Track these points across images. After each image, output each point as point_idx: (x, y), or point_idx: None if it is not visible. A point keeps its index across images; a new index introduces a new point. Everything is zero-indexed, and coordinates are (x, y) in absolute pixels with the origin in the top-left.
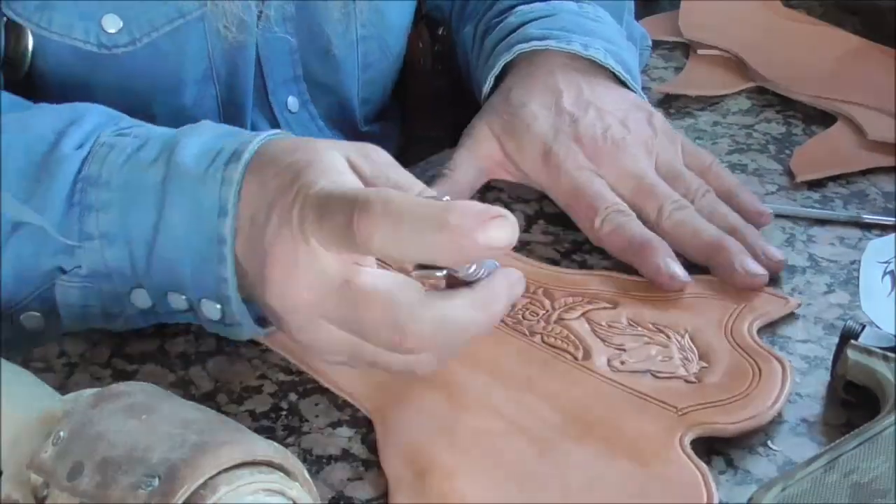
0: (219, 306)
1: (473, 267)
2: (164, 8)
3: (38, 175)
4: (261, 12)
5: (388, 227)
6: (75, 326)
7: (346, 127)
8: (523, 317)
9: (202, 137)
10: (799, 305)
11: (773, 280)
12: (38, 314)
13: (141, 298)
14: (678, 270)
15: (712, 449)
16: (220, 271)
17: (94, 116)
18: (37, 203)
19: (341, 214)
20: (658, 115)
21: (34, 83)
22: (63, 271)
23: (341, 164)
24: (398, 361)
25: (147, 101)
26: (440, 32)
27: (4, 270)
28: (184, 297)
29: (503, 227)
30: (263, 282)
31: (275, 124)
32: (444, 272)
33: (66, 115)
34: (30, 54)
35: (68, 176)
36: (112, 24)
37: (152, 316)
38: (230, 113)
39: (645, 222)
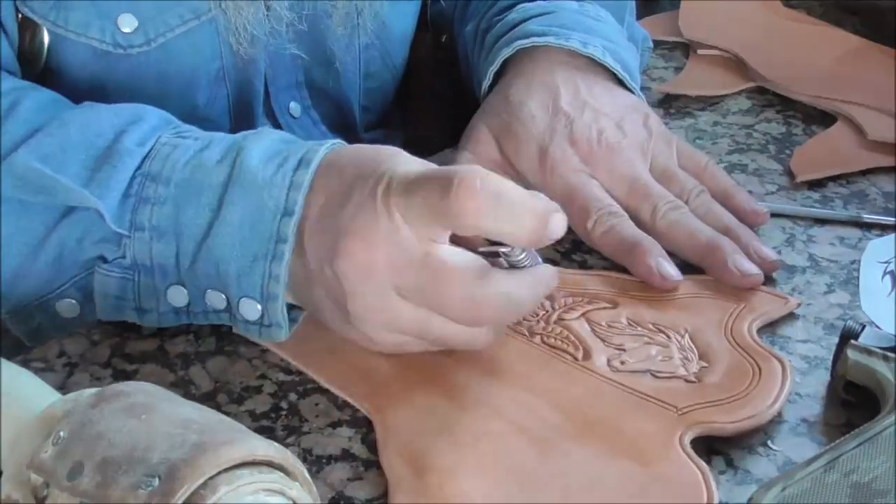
0: (259, 306)
1: (524, 254)
2: (179, 9)
3: (97, 166)
4: (272, 28)
5: (487, 200)
6: (107, 317)
7: (347, 133)
8: (523, 317)
9: (265, 141)
10: (799, 305)
11: (773, 280)
12: (74, 301)
13: (178, 296)
14: (670, 270)
15: (712, 449)
16: (272, 268)
17: (152, 118)
18: (93, 191)
19: (436, 188)
20: (654, 117)
21: (49, 81)
22: (104, 260)
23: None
24: (461, 336)
25: (160, 101)
26: (443, 40)
27: (45, 256)
28: (223, 295)
29: (563, 222)
30: (337, 254)
31: (278, 128)
32: (514, 249)
33: (126, 115)
34: (45, 50)
35: (129, 169)
36: (127, 23)
37: (185, 315)
38: (241, 114)
39: (640, 223)
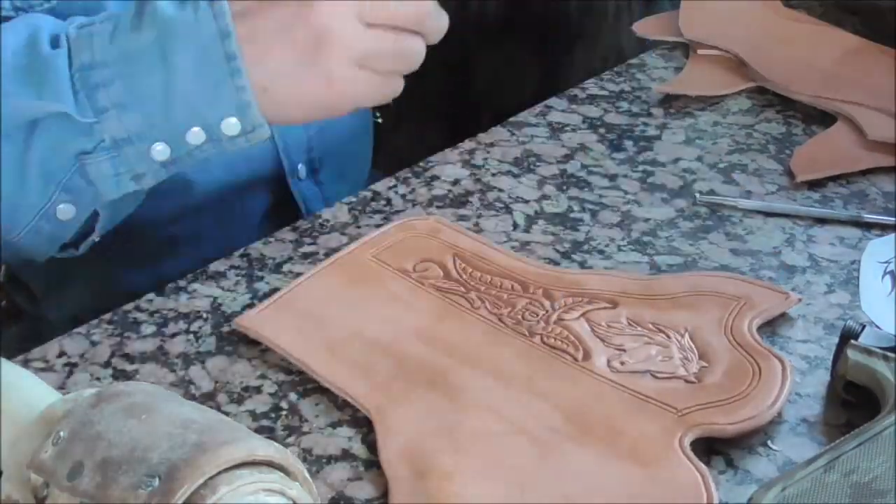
0: (236, 119)
1: None
2: None
3: (31, 81)
4: None
5: None
6: (112, 196)
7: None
8: (523, 317)
9: None
10: (800, 300)
11: (773, 280)
12: (70, 203)
13: (160, 151)
14: None
15: (712, 449)
16: (237, 82)
17: (47, 22)
18: (47, 103)
19: None
20: None
21: None
22: (87, 153)
23: None
24: (414, 14)
25: None
26: None
27: (32, 171)
28: (202, 129)
29: None
30: (311, 9)
31: None
32: None
33: (22, 29)
34: None
35: (62, 71)
36: None
37: (172, 165)
38: None
39: None
